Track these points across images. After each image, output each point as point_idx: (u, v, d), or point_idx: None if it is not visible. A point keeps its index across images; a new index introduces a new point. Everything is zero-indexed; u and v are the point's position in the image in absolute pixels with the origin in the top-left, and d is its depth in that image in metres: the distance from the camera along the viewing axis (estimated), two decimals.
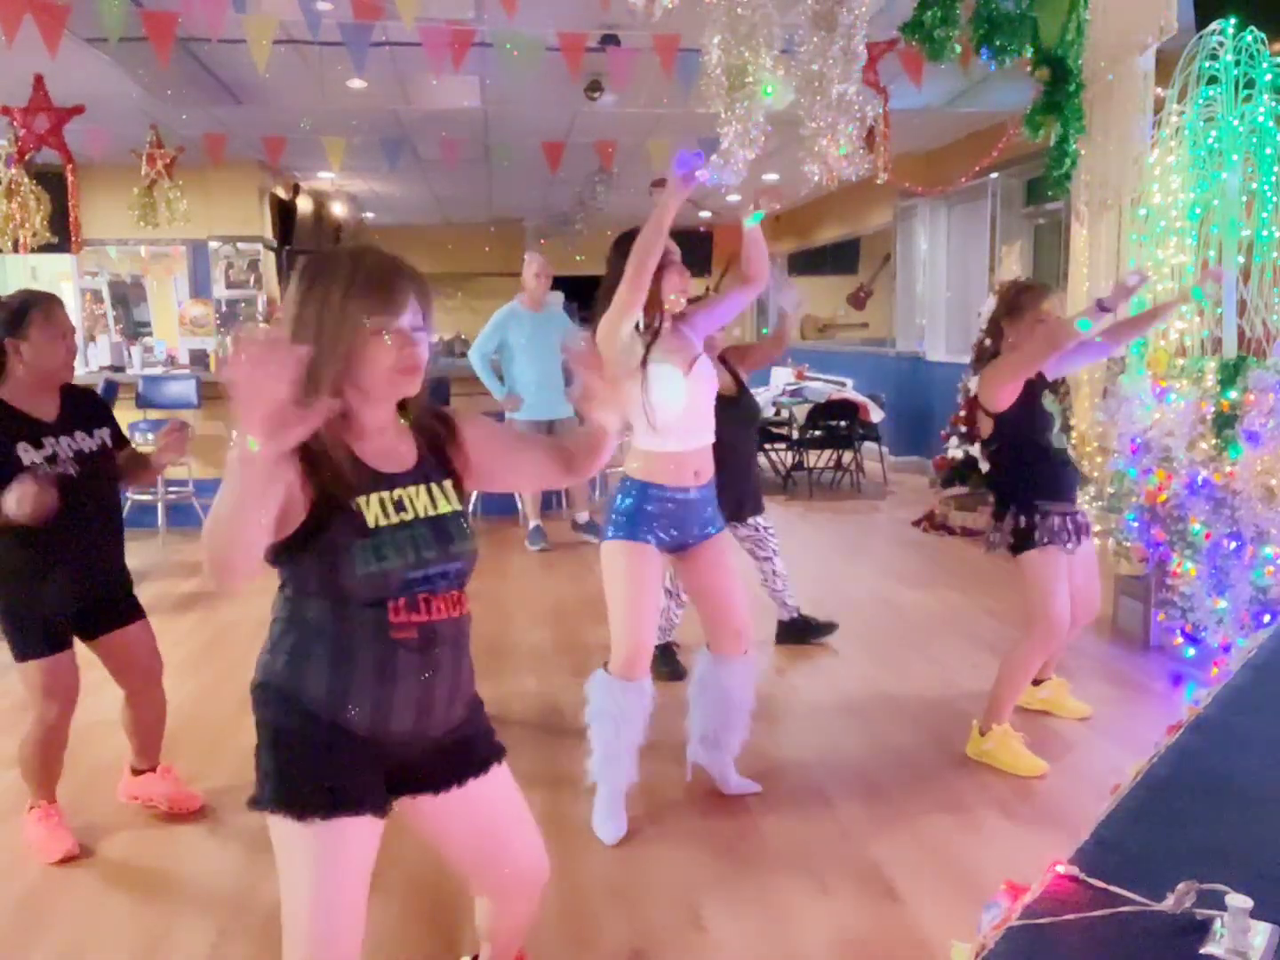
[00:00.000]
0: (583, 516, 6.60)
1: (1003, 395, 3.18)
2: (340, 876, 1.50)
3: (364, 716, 1.52)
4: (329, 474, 1.46)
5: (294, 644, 1.54)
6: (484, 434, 1.72)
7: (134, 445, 2.95)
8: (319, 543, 1.46)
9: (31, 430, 2.61)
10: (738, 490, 4.24)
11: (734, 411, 4.25)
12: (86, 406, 2.79)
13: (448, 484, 1.61)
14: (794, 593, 4.56)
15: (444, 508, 1.57)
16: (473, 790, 1.66)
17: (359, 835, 1.52)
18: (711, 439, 2.89)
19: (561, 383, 6.05)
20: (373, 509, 1.49)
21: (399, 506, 1.52)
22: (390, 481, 1.53)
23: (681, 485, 2.81)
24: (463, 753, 1.67)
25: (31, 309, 2.60)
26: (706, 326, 2.96)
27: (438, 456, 1.62)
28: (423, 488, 1.56)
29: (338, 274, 1.46)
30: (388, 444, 1.56)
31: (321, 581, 1.49)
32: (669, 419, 2.75)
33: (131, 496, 6.31)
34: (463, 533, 1.59)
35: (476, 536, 1.64)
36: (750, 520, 4.35)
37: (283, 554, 1.49)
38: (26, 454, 2.57)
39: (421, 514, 1.54)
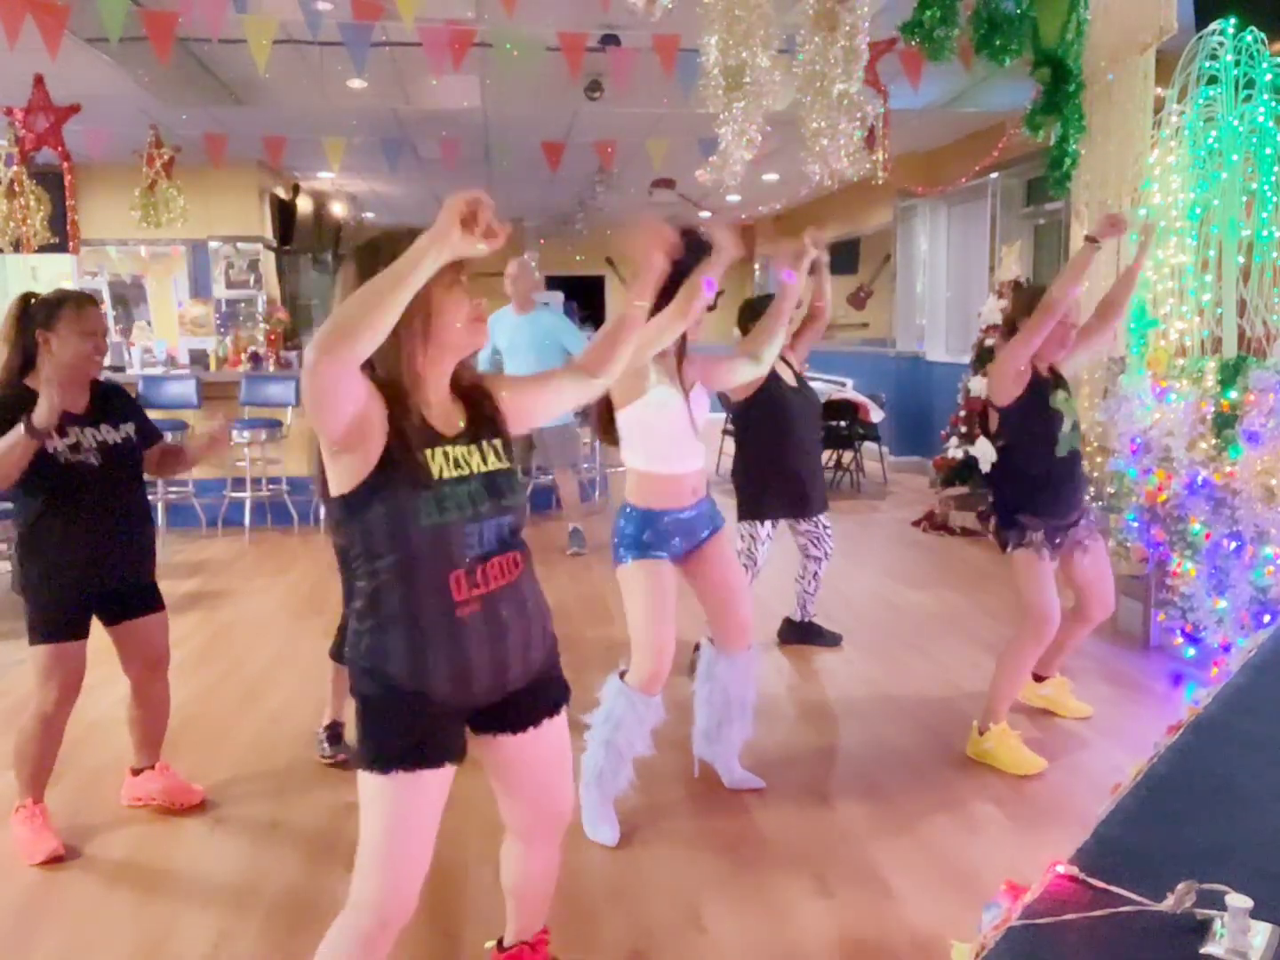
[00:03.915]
0: (571, 525, 6.49)
1: (1008, 384, 3.18)
2: (414, 821, 1.66)
3: (445, 687, 1.65)
4: (404, 423, 1.59)
5: (372, 628, 1.65)
6: (510, 388, 1.84)
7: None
8: (387, 489, 1.58)
9: (58, 422, 2.66)
10: (805, 487, 4.25)
11: (801, 403, 4.25)
12: (115, 401, 2.88)
13: (497, 443, 1.74)
14: (816, 601, 4.58)
15: (494, 465, 1.71)
16: (545, 729, 1.82)
17: (436, 784, 1.68)
18: (702, 463, 2.89)
19: None
20: (436, 462, 1.62)
21: (456, 463, 1.65)
22: (448, 441, 1.66)
23: (680, 506, 2.82)
24: (540, 695, 1.81)
25: (64, 305, 2.70)
26: (702, 376, 2.91)
27: (484, 419, 1.74)
28: (474, 447, 1.69)
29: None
30: (445, 410, 1.70)
31: (390, 532, 1.59)
32: (667, 442, 2.77)
33: None
34: (513, 488, 1.73)
35: (524, 492, 1.79)
36: (814, 516, 4.35)
37: (354, 503, 1.60)
38: (50, 440, 2.64)
39: (475, 470, 1.67)
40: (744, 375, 3.02)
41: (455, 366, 1.72)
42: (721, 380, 3.05)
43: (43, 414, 2.53)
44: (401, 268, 1.41)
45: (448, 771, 1.69)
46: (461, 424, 1.70)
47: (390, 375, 1.59)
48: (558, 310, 6.70)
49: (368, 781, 1.66)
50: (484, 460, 1.69)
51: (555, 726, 1.84)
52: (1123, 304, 3.54)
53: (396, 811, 1.65)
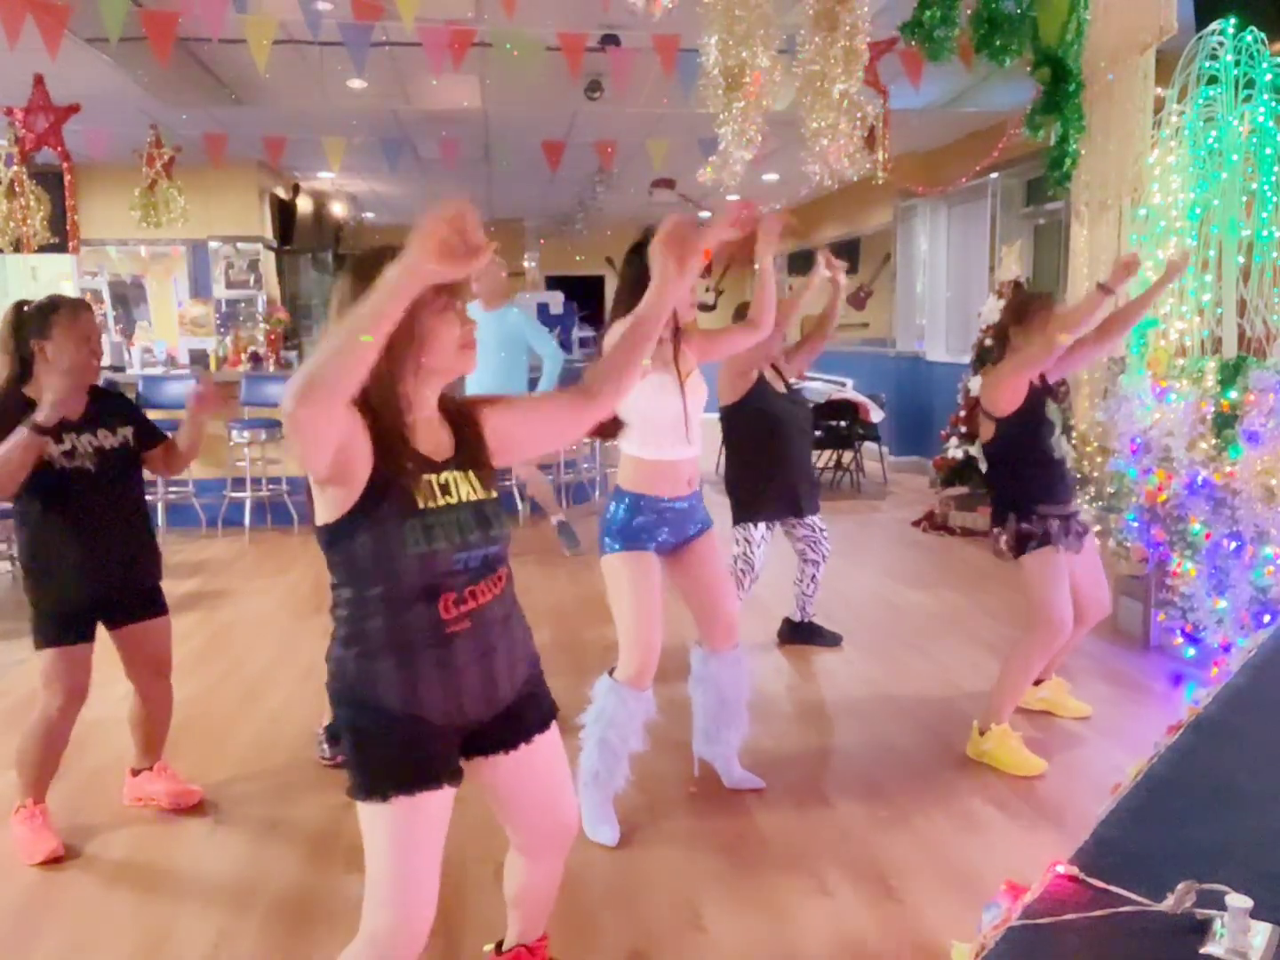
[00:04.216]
0: (554, 519, 6.37)
1: (1005, 399, 3.19)
2: (419, 845, 1.62)
3: (437, 708, 1.63)
4: (390, 449, 1.55)
5: (359, 653, 1.62)
6: (498, 412, 1.77)
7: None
8: (374, 517, 1.55)
9: (55, 428, 2.66)
10: (798, 487, 4.26)
11: (790, 410, 4.26)
12: (112, 406, 2.88)
13: (484, 473, 1.71)
14: (815, 602, 4.58)
15: (483, 494, 1.68)
16: (537, 745, 1.78)
17: (437, 806, 1.64)
18: (699, 451, 2.88)
19: (498, 386, 5.76)
20: (423, 490, 1.58)
21: (445, 490, 1.61)
22: (436, 467, 1.62)
23: (675, 494, 2.82)
24: (528, 711, 1.78)
25: (57, 311, 2.69)
26: (701, 355, 2.92)
27: (470, 447, 1.70)
28: (462, 474, 1.66)
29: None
30: (433, 433, 1.66)
31: (376, 562, 1.57)
32: (663, 427, 2.76)
33: None
34: (500, 518, 1.70)
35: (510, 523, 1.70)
36: (808, 519, 4.36)
37: (340, 532, 1.57)
38: (49, 447, 2.65)
39: (464, 498, 1.64)
40: (743, 342, 3.03)
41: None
42: (722, 349, 3.06)
43: (46, 410, 2.53)
44: (373, 308, 1.32)
45: (448, 794, 1.66)
46: (450, 450, 1.67)
47: (380, 400, 1.54)
48: (525, 310, 6.54)
49: (368, 812, 1.62)
50: (473, 488, 1.66)
51: (547, 742, 1.81)
52: (1127, 326, 3.54)
53: (401, 839, 1.61)
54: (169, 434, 2.99)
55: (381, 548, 1.55)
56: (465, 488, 1.64)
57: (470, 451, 1.69)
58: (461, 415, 1.72)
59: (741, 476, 4.28)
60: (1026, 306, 3.28)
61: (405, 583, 1.57)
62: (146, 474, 2.96)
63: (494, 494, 1.72)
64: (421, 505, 1.57)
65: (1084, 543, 3.40)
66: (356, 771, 1.64)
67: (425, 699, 1.61)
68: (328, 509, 1.57)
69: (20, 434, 2.52)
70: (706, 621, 3.01)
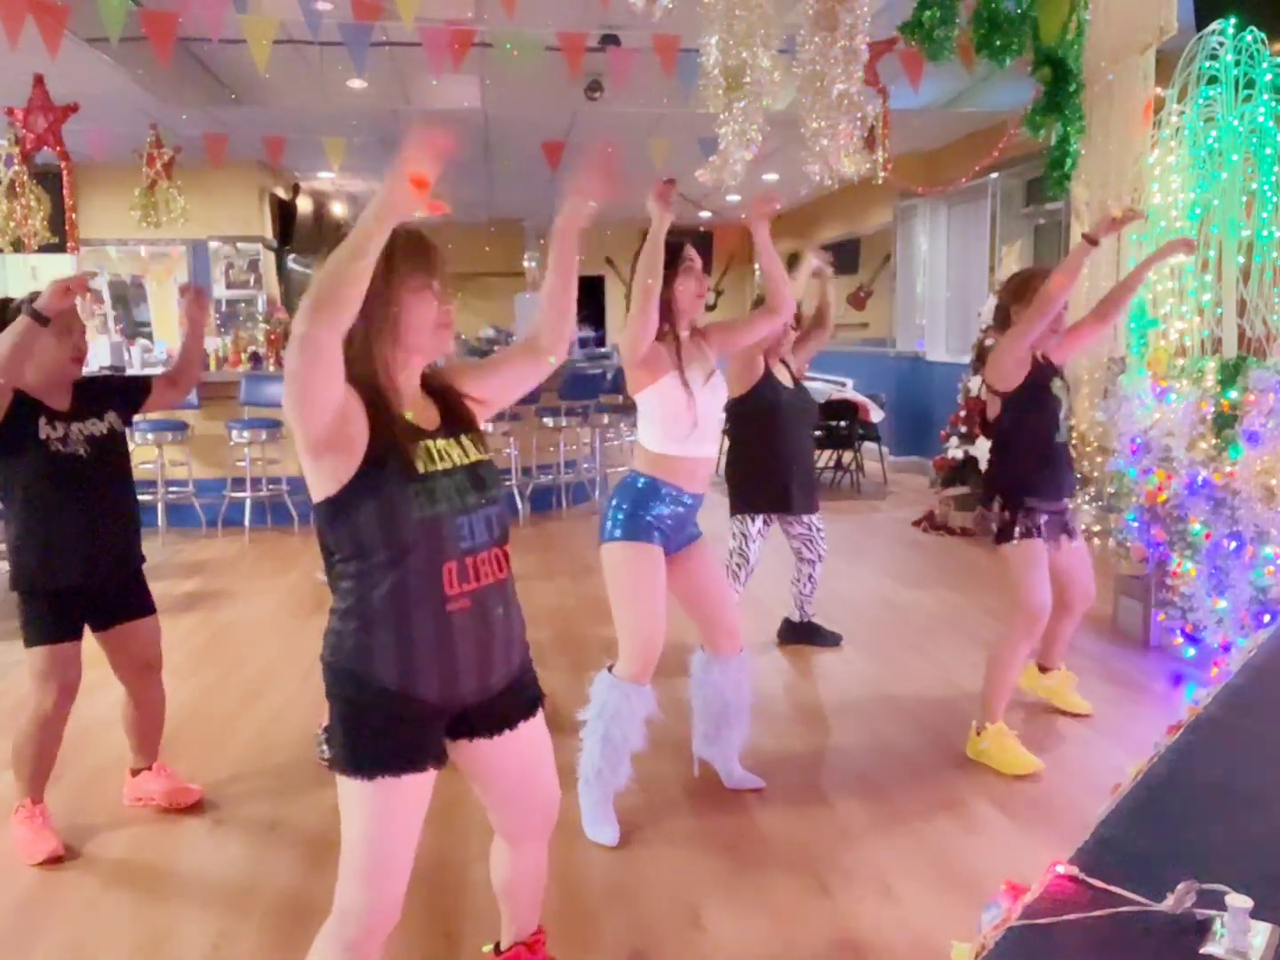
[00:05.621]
0: None
1: (1009, 370, 3.19)
2: (398, 825, 1.66)
3: (432, 687, 1.64)
4: (386, 419, 1.60)
5: (358, 628, 1.63)
6: (470, 377, 1.85)
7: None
8: (377, 485, 1.58)
9: (47, 415, 2.73)
10: (792, 484, 4.27)
11: (795, 406, 4.27)
12: (95, 393, 2.90)
13: (473, 435, 1.76)
14: (814, 602, 4.58)
15: (474, 456, 1.73)
16: (521, 731, 1.81)
17: (418, 788, 1.67)
18: (713, 452, 2.90)
19: None
20: (420, 456, 1.63)
21: (440, 456, 1.66)
22: (428, 435, 1.67)
23: (691, 490, 2.83)
24: (515, 697, 1.80)
25: None
26: (721, 348, 2.95)
27: (457, 413, 1.76)
28: (453, 440, 1.71)
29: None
30: (418, 407, 1.71)
31: (382, 529, 1.59)
32: (681, 425, 2.77)
33: None
34: (494, 477, 1.75)
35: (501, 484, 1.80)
36: (806, 519, 4.37)
37: (343, 504, 1.59)
38: (44, 429, 2.70)
39: (458, 462, 1.68)
40: (764, 328, 3.06)
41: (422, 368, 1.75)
42: (743, 338, 3.10)
43: (45, 297, 2.52)
44: (362, 228, 1.43)
45: (430, 775, 1.68)
46: (438, 420, 1.72)
47: (365, 376, 1.59)
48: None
49: (350, 786, 1.64)
50: (465, 453, 1.70)
51: (532, 727, 1.83)
52: (1122, 304, 3.55)
53: (380, 817, 1.64)
54: (167, 435, 3.01)
55: (387, 514, 1.57)
56: (457, 452, 1.69)
57: (457, 418, 1.75)
58: (443, 387, 1.78)
59: (739, 469, 4.30)
60: (1025, 286, 3.28)
61: (411, 548, 1.59)
62: (155, 452, 2.96)
63: (486, 456, 1.75)
64: (421, 470, 1.61)
65: (1072, 541, 3.39)
66: (343, 745, 1.66)
67: (421, 677, 1.62)
68: (326, 483, 1.59)
69: (20, 321, 2.51)
70: (709, 629, 3.01)
